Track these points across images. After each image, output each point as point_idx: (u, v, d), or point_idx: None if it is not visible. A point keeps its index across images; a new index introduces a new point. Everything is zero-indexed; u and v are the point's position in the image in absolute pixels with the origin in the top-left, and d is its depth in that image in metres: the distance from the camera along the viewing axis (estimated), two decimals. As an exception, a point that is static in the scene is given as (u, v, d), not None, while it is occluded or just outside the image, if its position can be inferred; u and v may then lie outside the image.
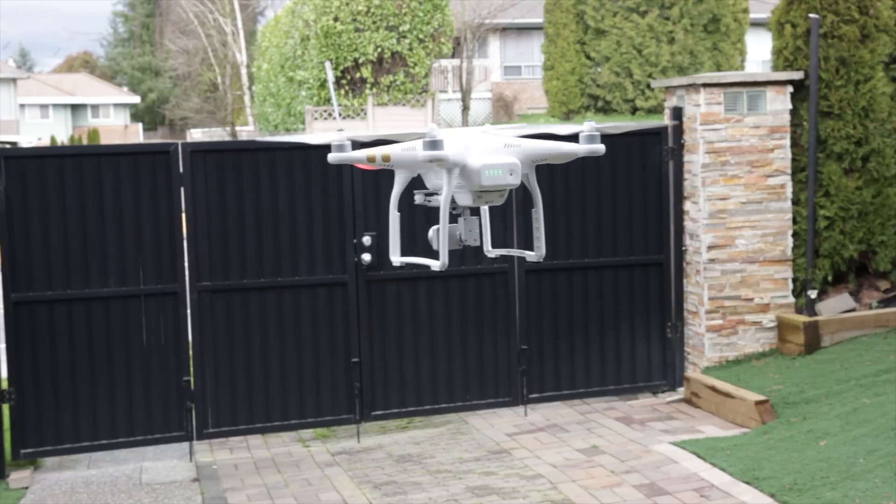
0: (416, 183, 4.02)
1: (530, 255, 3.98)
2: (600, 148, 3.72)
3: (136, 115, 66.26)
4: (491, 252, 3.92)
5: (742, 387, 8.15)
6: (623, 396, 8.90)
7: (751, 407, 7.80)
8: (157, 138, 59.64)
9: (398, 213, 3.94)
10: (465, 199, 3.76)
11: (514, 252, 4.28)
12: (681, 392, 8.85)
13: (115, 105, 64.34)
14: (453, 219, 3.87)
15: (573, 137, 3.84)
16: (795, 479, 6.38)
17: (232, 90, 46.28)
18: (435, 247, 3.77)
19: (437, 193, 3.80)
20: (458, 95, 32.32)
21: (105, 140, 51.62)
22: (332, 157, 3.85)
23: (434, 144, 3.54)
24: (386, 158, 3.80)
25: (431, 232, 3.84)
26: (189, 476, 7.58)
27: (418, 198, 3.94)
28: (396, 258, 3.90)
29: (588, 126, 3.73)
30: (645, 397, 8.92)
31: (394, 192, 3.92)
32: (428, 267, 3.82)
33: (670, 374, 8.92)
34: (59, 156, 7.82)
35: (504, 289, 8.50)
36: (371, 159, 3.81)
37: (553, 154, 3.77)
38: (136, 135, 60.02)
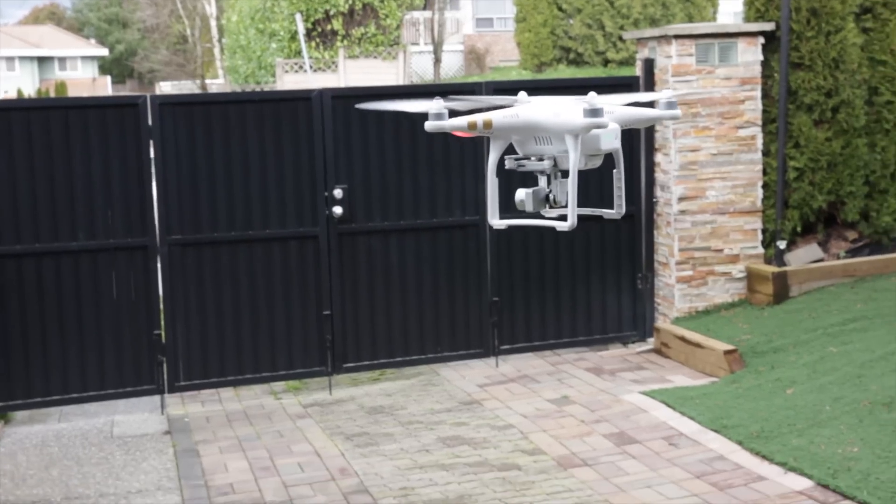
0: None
1: (609, 213, 4.13)
2: (677, 113, 3.91)
3: (105, 67, 65.48)
4: (573, 213, 3.90)
5: (711, 337, 8.22)
6: (593, 347, 8.97)
7: (720, 356, 7.87)
8: (125, 91, 59.02)
9: (497, 179, 3.99)
10: (567, 163, 3.86)
11: (595, 211, 4.29)
12: (651, 342, 8.92)
13: (83, 58, 63.55)
14: (535, 181, 3.96)
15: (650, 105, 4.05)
16: (763, 427, 6.46)
17: (201, 43, 45.82)
18: (526, 208, 3.89)
19: (527, 158, 3.90)
20: (430, 48, 32.13)
21: (73, 93, 50.99)
22: (430, 125, 3.82)
23: (595, 112, 3.64)
24: (488, 125, 3.80)
25: (522, 194, 3.91)
26: (161, 429, 7.60)
27: (510, 163, 3.98)
28: (496, 221, 3.96)
29: (666, 94, 3.95)
30: (615, 348, 8.98)
31: (491, 158, 3.96)
32: (553, 228, 3.94)
33: (640, 324, 8.99)
34: (26, 108, 7.73)
35: (475, 241, 8.51)
36: (472, 126, 3.81)
37: (639, 119, 3.96)
38: (105, 88, 59.34)
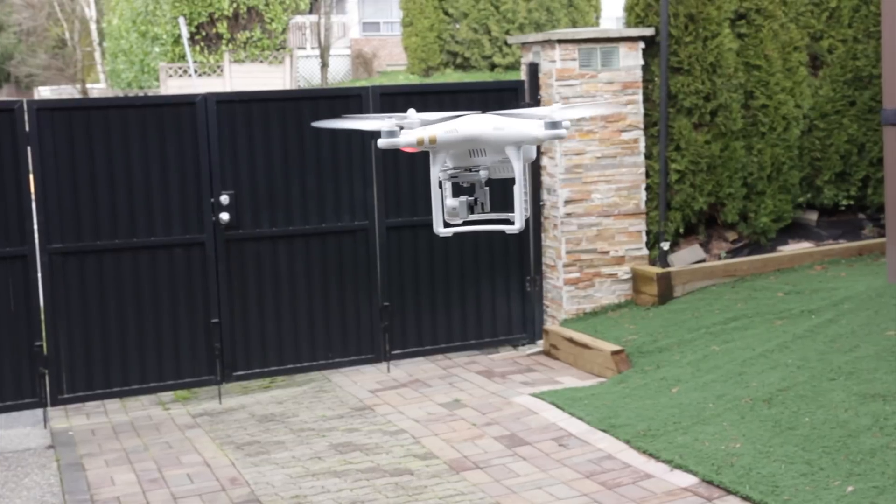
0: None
1: (511, 229, 4.28)
2: (562, 133, 4.10)
3: (-20, 72, 63.41)
4: (521, 216, 4.20)
5: (599, 338, 8.35)
6: (484, 350, 9.03)
7: (607, 357, 8.01)
8: (2, 97, 57.26)
9: (440, 190, 4.22)
10: (485, 172, 4.24)
11: (496, 228, 4.48)
12: (540, 344, 9.03)
13: (-43, 61, 61.39)
14: (462, 191, 4.28)
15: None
16: (649, 426, 6.60)
17: (81, 46, 44.76)
18: (459, 216, 4.18)
19: (458, 169, 4.19)
20: (317, 52, 31.95)
21: (-54, 98, 49.36)
22: (383, 142, 4.07)
23: (555, 125, 3.98)
24: (433, 140, 4.05)
25: (455, 203, 4.17)
26: (44, 443, 7.39)
27: (442, 175, 4.23)
28: (442, 230, 4.19)
29: (556, 108, 4.17)
30: (506, 350, 9.07)
31: (434, 171, 4.18)
32: (502, 232, 4.26)
33: (530, 327, 9.09)
34: None
35: (365, 246, 8.50)
36: (420, 142, 4.05)
37: (525, 139, 4.14)
38: (-20, 92, 57.44)
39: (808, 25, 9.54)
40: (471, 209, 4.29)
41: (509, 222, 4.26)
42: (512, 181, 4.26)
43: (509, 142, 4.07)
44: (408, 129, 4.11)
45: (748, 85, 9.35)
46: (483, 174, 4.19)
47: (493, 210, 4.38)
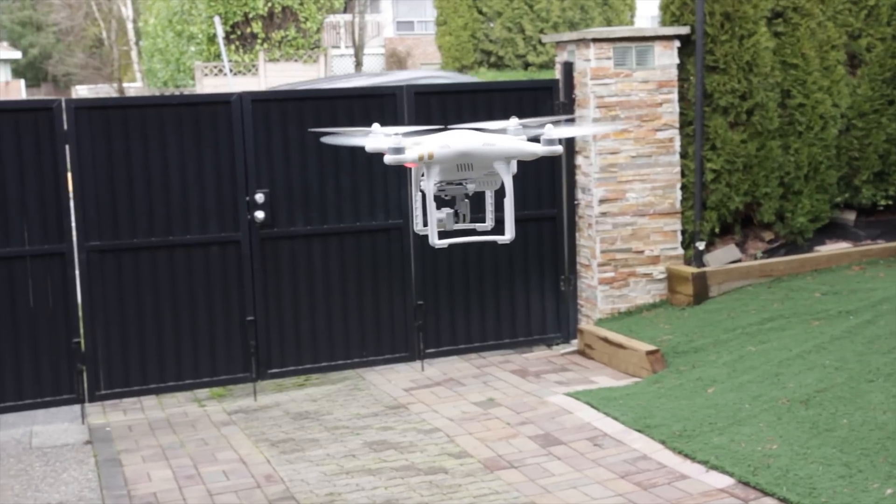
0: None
1: (503, 239, 4.42)
2: (558, 149, 4.28)
3: (18, 71, 64.05)
4: (512, 227, 4.40)
5: (633, 337, 8.32)
6: (518, 349, 9.02)
7: (642, 357, 7.98)
8: (40, 95, 57.81)
9: (434, 203, 4.35)
10: (472, 185, 4.43)
11: (489, 238, 4.64)
12: (574, 344, 9.00)
13: (-5, 61, 62.07)
14: (446, 203, 4.45)
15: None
16: (685, 426, 6.56)
17: (118, 46, 45.11)
18: (446, 226, 4.36)
19: (442, 182, 4.34)
20: (351, 51, 32.03)
21: (-15, 97, 49.93)
22: (389, 159, 4.20)
23: (552, 142, 4.19)
24: (430, 157, 4.21)
25: (443, 214, 4.34)
26: (81, 439, 7.46)
27: (434, 189, 4.35)
28: (438, 241, 4.33)
29: (548, 130, 4.29)
30: (540, 350, 9.05)
31: (430, 184, 4.33)
32: (495, 242, 4.45)
33: (564, 326, 9.06)
34: (-64, 113, 7.54)
35: (399, 244, 8.51)
36: (421, 158, 4.19)
37: (519, 154, 4.32)
38: (18, 91, 58.04)
39: (846, 24, 9.45)
40: (456, 219, 4.49)
41: (479, 232, 4.53)
42: (497, 192, 4.48)
43: (504, 157, 4.27)
44: (412, 144, 4.26)
45: (785, 84, 9.28)
46: (470, 187, 4.38)
47: (465, 220, 4.58)
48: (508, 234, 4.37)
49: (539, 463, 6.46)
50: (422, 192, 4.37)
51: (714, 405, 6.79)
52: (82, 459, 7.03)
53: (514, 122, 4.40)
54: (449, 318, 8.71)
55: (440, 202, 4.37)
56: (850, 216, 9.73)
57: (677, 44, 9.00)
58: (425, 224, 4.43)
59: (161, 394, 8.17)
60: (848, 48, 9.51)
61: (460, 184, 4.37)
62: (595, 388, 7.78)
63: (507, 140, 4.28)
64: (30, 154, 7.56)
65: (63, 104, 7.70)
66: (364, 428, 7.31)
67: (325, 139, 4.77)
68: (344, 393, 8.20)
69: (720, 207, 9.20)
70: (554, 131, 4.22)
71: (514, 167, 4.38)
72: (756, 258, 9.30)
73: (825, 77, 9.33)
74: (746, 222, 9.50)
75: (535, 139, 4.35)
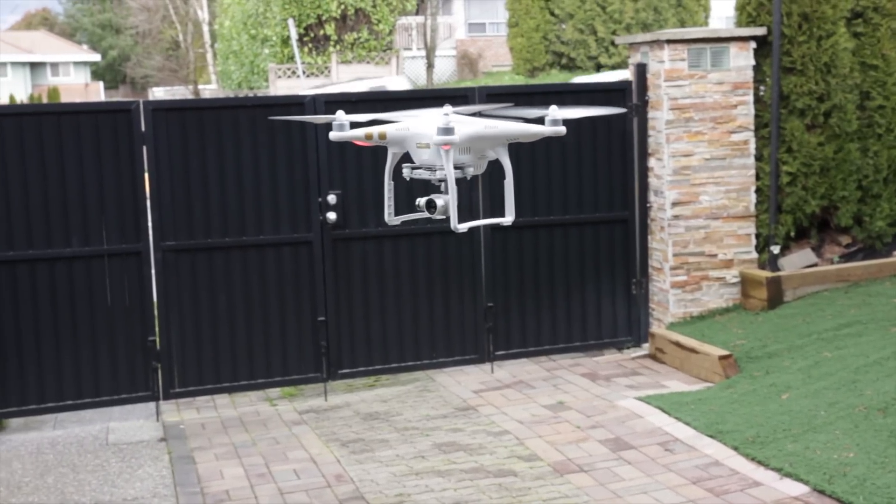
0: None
1: (504, 221, 4.40)
2: (562, 129, 4.25)
3: (97, 73, 65.36)
4: (459, 227, 4.30)
5: (706, 342, 8.23)
6: (589, 352, 8.97)
7: (714, 362, 7.88)
8: (118, 97, 58.88)
9: (392, 182, 4.38)
10: (471, 170, 4.33)
11: (491, 221, 4.65)
12: (646, 348, 8.93)
13: (75, 63, 63.39)
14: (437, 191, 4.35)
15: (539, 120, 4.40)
16: (758, 432, 6.47)
17: (194, 48, 45.79)
18: (442, 215, 4.27)
19: (420, 168, 4.27)
20: (423, 53, 32.14)
21: (65, 99, 50.91)
22: (333, 135, 4.18)
23: (556, 122, 4.17)
24: (382, 136, 4.17)
25: (441, 200, 4.23)
26: (156, 436, 7.58)
27: (406, 171, 4.32)
28: (459, 226, 4.26)
29: (552, 110, 4.26)
30: (610, 353, 8.99)
31: (387, 165, 4.35)
32: (499, 224, 4.50)
33: (635, 330, 8.99)
34: (19, 114, 7.71)
35: (470, 246, 8.52)
36: (369, 137, 4.16)
37: (525, 134, 4.29)
38: (98, 93, 59.25)
39: (928, 23, 9.25)
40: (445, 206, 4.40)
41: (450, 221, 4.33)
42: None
43: (508, 139, 4.21)
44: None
45: (864, 85, 9.11)
46: (469, 171, 4.29)
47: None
48: (509, 216, 4.34)
49: (609, 467, 6.41)
50: (412, 179, 4.31)
51: (788, 411, 6.69)
52: (157, 456, 7.14)
53: (552, 109, 4.34)
54: (519, 320, 8.69)
55: (431, 189, 4.29)
56: (931, 220, 9.51)
57: (753, 45, 8.88)
58: (397, 213, 4.46)
59: (233, 392, 8.27)
60: (930, 49, 9.30)
61: (460, 168, 4.27)
62: (666, 392, 7.71)
63: (508, 123, 4.24)
64: (108, 155, 7.70)
65: (141, 106, 7.83)
66: (433, 429, 7.33)
67: (334, 135, 4.34)
68: (413, 394, 8.23)
69: (796, 211, 9.06)
70: (558, 112, 4.19)
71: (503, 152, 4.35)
72: (832, 263, 9.14)
73: (906, 78, 9.13)
74: (823, 226, 9.34)
75: (540, 120, 4.30)
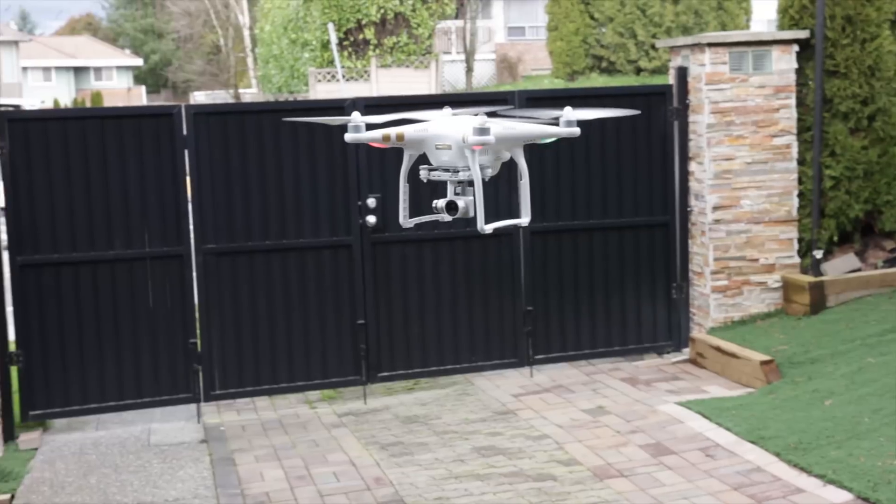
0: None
1: (520, 222, 4.34)
2: (576, 131, 4.17)
3: (140, 77, 66.03)
4: (486, 228, 4.25)
5: (747, 347, 8.16)
6: (628, 357, 8.93)
7: (756, 367, 7.82)
8: (160, 101, 59.45)
9: (407, 185, 4.34)
10: (489, 171, 4.24)
11: (509, 222, 4.53)
12: (686, 352, 8.87)
13: (118, 68, 64.11)
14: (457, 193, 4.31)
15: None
16: (800, 439, 6.41)
17: (235, 52, 46.12)
18: (467, 214, 4.19)
19: (438, 169, 4.22)
20: (462, 57, 32.17)
21: (108, 103, 51.45)
22: (349, 137, 4.13)
23: (570, 123, 4.12)
24: (400, 138, 4.13)
25: (462, 202, 4.18)
26: (197, 437, 7.63)
27: (423, 173, 4.25)
28: (485, 227, 4.21)
29: (566, 111, 4.18)
30: (650, 358, 8.94)
31: (403, 166, 4.32)
32: (516, 225, 4.37)
33: (675, 334, 8.94)
34: (63, 118, 7.81)
35: (509, 250, 8.51)
36: (387, 138, 4.11)
37: (540, 135, 4.23)
38: (140, 97, 59.86)
39: (975, 26, 9.13)
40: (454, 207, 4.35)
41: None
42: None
43: (526, 140, 4.16)
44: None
45: (909, 88, 9.00)
46: (488, 172, 4.20)
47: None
48: (525, 217, 4.28)
49: (649, 472, 6.38)
50: (433, 181, 4.24)
51: (831, 418, 6.62)
52: (198, 458, 7.19)
53: (567, 110, 4.25)
54: (558, 324, 8.66)
55: (441, 191, 4.25)
56: (977, 225, 9.38)
57: (796, 48, 8.81)
58: (412, 216, 4.39)
59: (273, 395, 8.31)
60: (976, 51, 9.18)
61: (447, 170, 4.21)
62: (707, 397, 7.65)
63: (524, 124, 4.20)
64: (150, 158, 7.78)
65: (182, 110, 7.90)
66: (473, 433, 7.32)
67: (349, 137, 4.26)
68: (453, 398, 8.22)
69: (839, 215, 8.97)
70: (572, 113, 4.13)
71: (519, 153, 4.29)
72: (876, 267, 9.04)
73: (951, 81, 9.02)
74: (866, 231, 9.24)
75: (555, 122, 4.25)
